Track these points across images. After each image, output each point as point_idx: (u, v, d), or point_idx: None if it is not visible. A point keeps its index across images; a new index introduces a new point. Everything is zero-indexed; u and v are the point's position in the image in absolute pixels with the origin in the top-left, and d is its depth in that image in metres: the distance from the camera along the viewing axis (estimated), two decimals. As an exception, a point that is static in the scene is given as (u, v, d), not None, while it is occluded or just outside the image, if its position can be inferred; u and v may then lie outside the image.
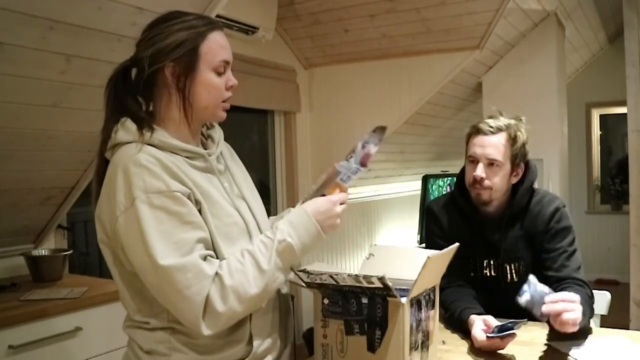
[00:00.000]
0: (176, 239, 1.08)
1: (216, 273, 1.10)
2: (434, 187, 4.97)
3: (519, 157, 1.78)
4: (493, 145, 1.74)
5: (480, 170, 1.74)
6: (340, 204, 1.23)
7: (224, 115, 1.26)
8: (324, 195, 1.23)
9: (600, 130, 6.38)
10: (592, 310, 1.70)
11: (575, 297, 1.44)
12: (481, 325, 1.53)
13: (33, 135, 2.12)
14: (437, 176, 5.07)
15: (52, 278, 2.37)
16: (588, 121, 6.29)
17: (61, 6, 1.78)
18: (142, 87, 1.19)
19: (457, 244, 1.34)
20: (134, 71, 1.21)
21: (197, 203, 1.14)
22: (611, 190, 6.22)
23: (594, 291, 2.01)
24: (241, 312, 1.12)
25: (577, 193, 5.96)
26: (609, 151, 6.47)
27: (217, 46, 1.20)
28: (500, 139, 1.75)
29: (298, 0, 3.37)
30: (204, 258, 1.11)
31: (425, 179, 4.79)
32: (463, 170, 1.88)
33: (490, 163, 1.75)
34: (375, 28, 3.47)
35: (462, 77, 3.99)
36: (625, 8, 3.50)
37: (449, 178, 5.24)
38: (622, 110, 4.16)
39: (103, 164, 1.19)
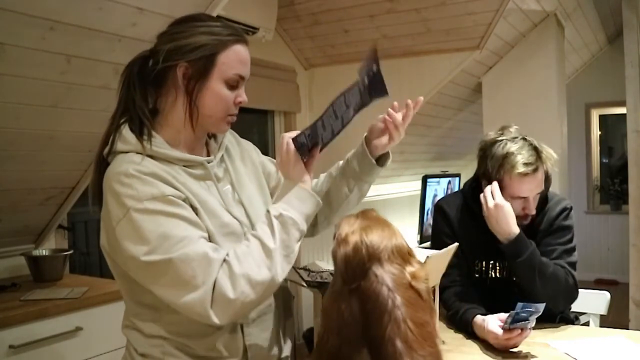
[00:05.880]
0: (180, 237, 1.06)
1: (224, 260, 1.07)
2: (433, 187, 4.98)
3: None
4: (538, 182, 1.75)
5: (533, 208, 1.76)
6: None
7: (227, 128, 1.25)
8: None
9: (599, 131, 6.38)
10: (569, 299, 1.76)
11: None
12: (497, 321, 1.53)
13: (33, 135, 2.12)
14: (436, 176, 5.08)
15: (53, 278, 2.37)
16: (587, 121, 6.29)
17: (61, 6, 1.78)
18: (153, 79, 1.18)
19: (456, 244, 1.35)
20: (150, 62, 1.18)
21: (193, 208, 1.12)
22: (610, 191, 6.22)
23: (593, 291, 2.02)
24: (255, 298, 1.07)
25: (576, 193, 5.96)
26: (609, 151, 6.48)
27: (236, 59, 1.17)
28: (541, 174, 1.75)
29: (298, 1, 3.37)
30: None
31: (425, 179, 4.79)
32: (476, 175, 1.87)
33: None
34: (375, 28, 3.47)
35: (462, 78, 3.99)
36: (625, 9, 3.51)
37: (449, 178, 5.25)
38: (621, 110, 4.16)
39: (102, 160, 1.18)
